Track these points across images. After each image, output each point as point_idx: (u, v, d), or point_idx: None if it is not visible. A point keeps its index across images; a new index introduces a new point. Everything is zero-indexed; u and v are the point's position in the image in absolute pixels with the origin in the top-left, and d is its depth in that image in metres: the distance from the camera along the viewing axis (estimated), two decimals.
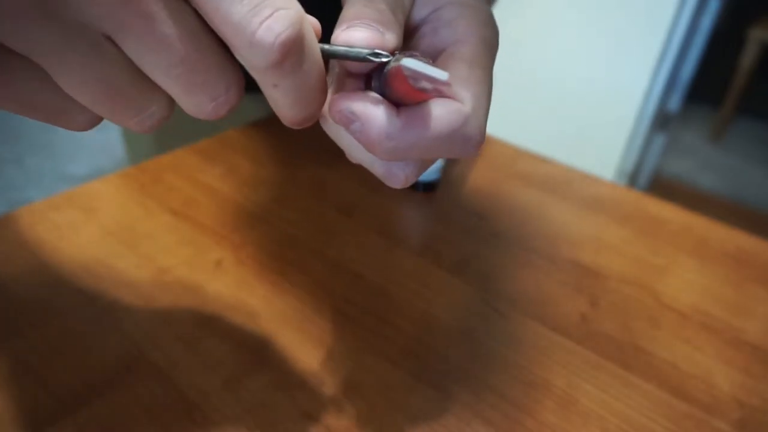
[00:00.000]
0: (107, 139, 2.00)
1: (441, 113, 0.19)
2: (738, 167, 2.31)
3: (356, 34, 0.19)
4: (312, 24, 0.18)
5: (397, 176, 0.21)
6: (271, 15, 0.16)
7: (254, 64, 0.17)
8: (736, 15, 2.29)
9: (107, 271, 0.37)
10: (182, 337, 0.33)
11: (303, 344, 0.33)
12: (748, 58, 2.21)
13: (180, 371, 0.31)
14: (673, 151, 2.33)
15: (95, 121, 0.19)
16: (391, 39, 0.19)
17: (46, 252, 0.38)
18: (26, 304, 0.34)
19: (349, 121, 0.19)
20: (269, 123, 0.56)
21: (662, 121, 1.73)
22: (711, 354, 0.35)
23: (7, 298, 0.34)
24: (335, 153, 0.42)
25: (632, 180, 1.75)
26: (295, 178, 0.48)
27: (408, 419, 0.29)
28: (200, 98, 0.18)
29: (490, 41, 0.22)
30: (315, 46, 0.18)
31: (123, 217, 0.42)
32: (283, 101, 0.18)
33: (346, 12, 0.20)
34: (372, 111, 0.18)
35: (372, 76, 0.20)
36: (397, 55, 0.18)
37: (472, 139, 0.20)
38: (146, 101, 0.18)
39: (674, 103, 1.72)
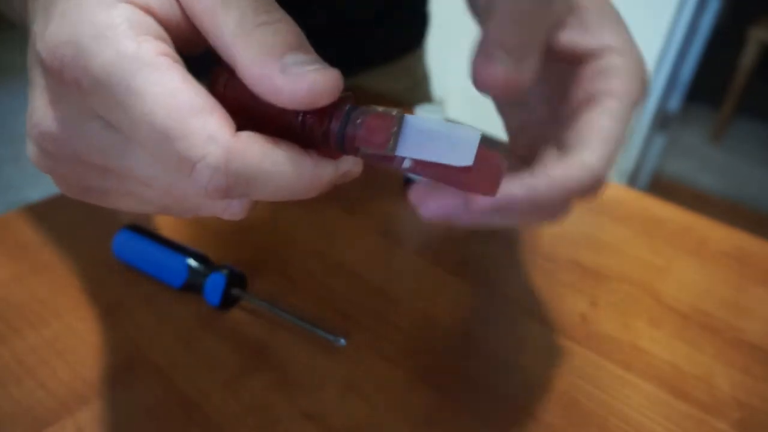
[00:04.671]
0: None
1: (572, 172, 0.22)
2: (738, 167, 2.31)
3: (490, 76, 0.20)
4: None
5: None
6: (192, 170, 0.15)
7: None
8: (736, 15, 2.29)
9: (107, 270, 0.37)
10: (182, 337, 0.33)
11: (303, 344, 0.33)
12: (748, 58, 2.20)
13: (180, 371, 0.31)
14: (673, 151, 2.33)
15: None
16: (527, 69, 0.21)
17: (46, 252, 0.38)
18: (26, 304, 0.34)
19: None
20: None
21: (662, 121, 1.73)
22: (711, 354, 0.35)
23: (7, 298, 0.34)
24: None
25: (632, 180, 1.75)
26: None
27: (408, 419, 0.29)
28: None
29: (636, 96, 0.24)
30: (266, 156, 0.16)
31: (123, 217, 0.42)
32: (271, 199, 0.18)
33: (490, 28, 0.21)
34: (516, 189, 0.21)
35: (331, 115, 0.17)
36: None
37: (593, 191, 0.22)
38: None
39: (674, 103, 1.72)
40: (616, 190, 0.51)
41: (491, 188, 0.16)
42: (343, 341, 0.32)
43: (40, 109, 0.17)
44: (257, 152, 0.16)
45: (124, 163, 0.17)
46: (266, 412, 0.29)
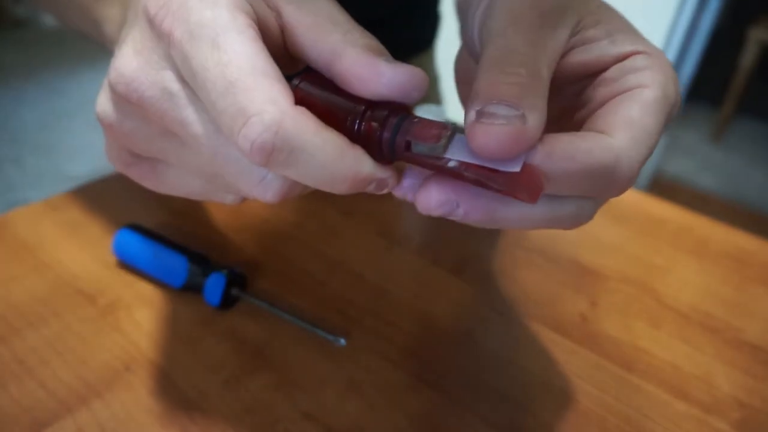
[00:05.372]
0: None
1: (589, 147, 0.18)
2: (738, 167, 2.31)
3: (491, 141, 0.17)
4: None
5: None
6: (245, 123, 0.16)
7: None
8: (736, 14, 2.29)
9: (107, 270, 0.37)
10: (182, 337, 0.33)
11: (303, 344, 0.33)
12: (748, 58, 2.20)
13: (180, 371, 0.31)
14: (673, 151, 2.33)
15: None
16: (535, 123, 0.17)
17: (46, 252, 0.38)
18: (26, 304, 0.34)
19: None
20: None
21: None
22: (711, 354, 0.35)
23: (7, 298, 0.34)
24: None
25: None
26: None
27: (408, 419, 0.29)
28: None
29: (670, 97, 0.21)
30: (317, 133, 0.17)
31: (123, 217, 0.42)
32: (305, 181, 0.18)
33: (481, 79, 0.18)
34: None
35: (383, 123, 0.18)
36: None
37: (617, 182, 0.19)
38: None
39: None
40: None
41: (531, 196, 0.17)
42: (343, 341, 0.32)
43: (125, 56, 0.19)
44: (310, 125, 0.17)
45: (182, 116, 0.19)
46: (266, 412, 0.29)
